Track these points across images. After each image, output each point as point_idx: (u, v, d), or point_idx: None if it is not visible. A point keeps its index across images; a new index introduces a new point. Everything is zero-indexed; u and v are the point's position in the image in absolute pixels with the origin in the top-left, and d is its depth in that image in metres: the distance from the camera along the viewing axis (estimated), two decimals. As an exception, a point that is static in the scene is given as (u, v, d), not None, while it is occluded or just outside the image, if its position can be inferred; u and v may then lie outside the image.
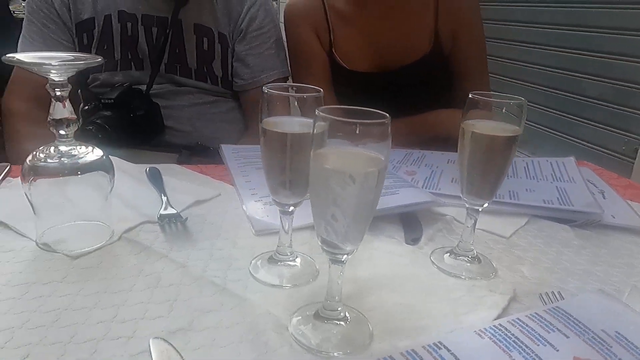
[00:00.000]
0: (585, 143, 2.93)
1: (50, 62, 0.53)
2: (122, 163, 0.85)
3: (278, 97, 0.51)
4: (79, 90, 1.26)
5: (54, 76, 0.55)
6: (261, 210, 0.73)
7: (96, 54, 1.17)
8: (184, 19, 1.17)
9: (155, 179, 0.81)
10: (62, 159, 0.58)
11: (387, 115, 0.42)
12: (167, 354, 0.44)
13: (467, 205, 0.62)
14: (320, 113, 0.42)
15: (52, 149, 0.58)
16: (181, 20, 1.16)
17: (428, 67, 1.16)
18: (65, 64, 0.54)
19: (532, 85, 3.26)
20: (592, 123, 2.91)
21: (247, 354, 0.45)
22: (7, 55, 0.53)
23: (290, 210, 0.56)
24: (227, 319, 0.50)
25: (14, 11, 2.80)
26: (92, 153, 0.61)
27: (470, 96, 0.57)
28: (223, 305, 0.52)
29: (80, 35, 1.18)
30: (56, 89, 0.56)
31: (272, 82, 1.24)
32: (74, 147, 0.59)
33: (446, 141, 1.11)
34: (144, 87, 1.18)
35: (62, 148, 0.58)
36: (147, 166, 0.86)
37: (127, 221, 0.66)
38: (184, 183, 0.81)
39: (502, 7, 3.20)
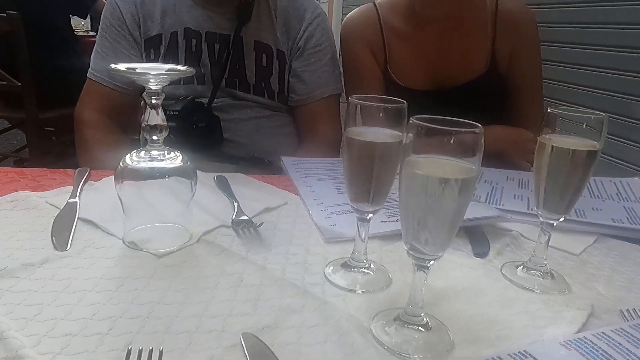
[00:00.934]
0: (635, 167, 2.83)
1: (149, 72, 0.57)
2: (192, 171, 0.89)
3: (365, 107, 0.53)
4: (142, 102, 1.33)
5: (152, 85, 0.59)
6: (327, 219, 0.75)
7: (162, 68, 1.25)
8: (245, 36, 1.22)
9: (225, 186, 0.84)
10: (152, 162, 0.62)
11: (480, 125, 0.43)
12: (258, 348, 0.46)
13: (541, 219, 0.62)
14: (415, 121, 0.43)
15: (143, 152, 0.62)
16: (242, 37, 1.21)
17: (483, 87, 1.17)
18: (161, 74, 0.58)
19: (581, 107, 3.18)
20: (643, 146, 2.81)
21: (334, 353, 0.46)
22: (112, 65, 0.58)
23: (368, 217, 0.58)
24: (310, 319, 0.51)
25: (74, 28, 2.96)
26: (178, 159, 0.64)
27: (549, 110, 0.58)
28: (305, 307, 0.53)
29: (148, 50, 1.25)
30: (152, 97, 0.60)
31: (326, 98, 1.28)
32: (163, 152, 0.63)
33: (498, 157, 1.11)
34: (205, 100, 1.23)
35: (154, 152, 0.62)
36: (214, 174, 0.90)
37: (204, 225, 0.70)
38: (252, 191, 0.84)
39: (548, 28, 3.16)
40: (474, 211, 0.76)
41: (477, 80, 1.16)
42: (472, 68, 1.17)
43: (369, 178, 0.54)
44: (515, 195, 0.89)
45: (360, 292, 0.58)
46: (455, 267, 0.64)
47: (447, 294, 0.58)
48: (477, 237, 0.73)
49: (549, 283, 0.62)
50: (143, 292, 0.54)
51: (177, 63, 1.23)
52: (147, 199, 0.64)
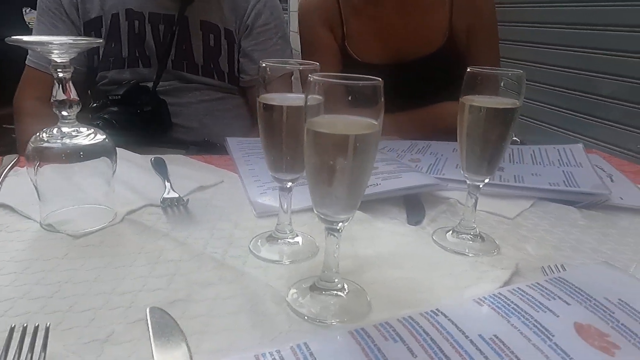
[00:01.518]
0: (600, 142, 2.88)
1: (52, 41, 0.54)
2: (127, 153, 0.87)
3: (277, 70, 0.51)
4: (89, 91, 1.29)
5: (56, 57, 0.56)
6: (263, 195, 0.73)
7: (104, 52, 1.21)
8: (191, 16, 1.18)
9: (160, 167, 0.82)
10: (64, 139, 0.59)
11: (380, 79, 0.42)
12: (163, 321, 0.44)
13: (467, 182, 0.61)
14: (314, 77, 0.42)
15: (54, 130, 0.60)
16: (187, 17, 1.18)
17: (441, 62, 1.17)
18: (65, 44, 0.55)
19: (545, 85, 3.24)
20: (606, 122, 2.87)
21: (244, 322, 0.45)
22: (13, 37, 0.55)
23: (288, 186, 0.56)
24: (226, 291, 0.50)
25: (29, 22, 2.87)
26: (94, 135, 0.61)
27: (468, 70, 0.57)
28: (222, 279, 0.52)
29: (88, 33, 1.21)
30: (58, 70, 0.57)
31: (279, 77, 1.25)
32: (76, 129, 0.60)
33: (449, 133, 1.11)
34: (151, 85, 1.19)
35: (65, 129, 0.59)
36: (152, 156, 0.87)
37: (129, 204, 0.67)
38: (188, 170, 0.82)
39: (513, 8, 3.19)
40: (411, 180, 0.75)
41: (434, 54, 1.16)
42: (429, 42, 1.17)
43: (280, 144, 0.52)
44: (457, 165, 0.88)
45: (286, 262, 0.56)
46: (387, 235, 0.63)
47: (374, 261, 0.57)
48: (413, 206, 0.72)
49: (478, 245, 0.61)
50: (51, 273, 0.51)
51: (120, 46, 1.20)
52: (63, 180, 0.61)
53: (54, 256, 0.54)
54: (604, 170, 0.88)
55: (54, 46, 0.54)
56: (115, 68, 1.21)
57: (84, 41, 0.57)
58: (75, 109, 0.59)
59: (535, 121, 3.33)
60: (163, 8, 1.18)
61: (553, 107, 3.18)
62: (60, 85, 0.58)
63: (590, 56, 2.92)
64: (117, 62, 1.21)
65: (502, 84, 0.56)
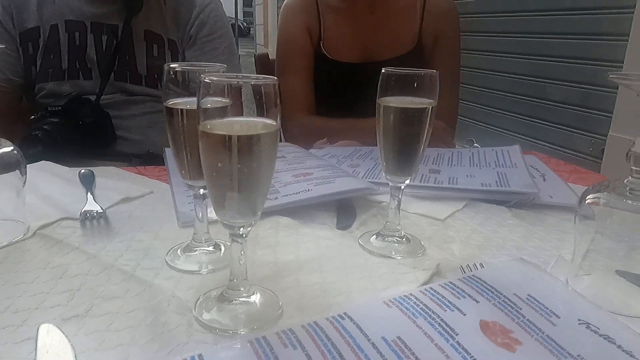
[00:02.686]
0: (553, 146, 2.97)
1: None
2: (55, 166, 0.83)
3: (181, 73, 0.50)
4: (26, 100, 1.25)
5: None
6: (191, 204, 0.71)
7: (42, 63, 1.17)
8: (135, 26, 1.16)
9: (87, 179, 0.79)
10: (-36, 151, 0.56)
11: (275, 77, 0.41)
12: (53, 340, 0.41)
13: (390, 185, 0.61)
14: (207, 77, 0.40)
15: (-46, 141, 0.56)
16: (132, 27, 1.16)
17: (411, 64, 1.18)
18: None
19: (499, 92, 3.32)
20: (559, 126, 2.96)
21: (142, 335, 0.43)
22: None
23: (201, 193, 0.55)
24: (130, 304, 0.47)
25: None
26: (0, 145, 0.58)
27: (383, 71, 0.56)
28: (128, 292, 0.49)
29: (25, 44, 1.17)
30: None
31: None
32: (-21, 140, 0.57)
33: None
34: (93, 97, 1.16)
35: (-34, 140, 0.56)
36: (82, 169, 0.84)
37: (44, 217, 0.64)
38: (116, 182, 0.79)
39: (468, 19, 3.27)
40: (343, 185, 0.74)
41: (405, 56, 1.22)
42: (400, 45, 1.23)
43: (182, 148, 0.51)
44: (395, 168, 0.88)
45: (203, 272, 0.54)
46: (311, 240, 0.62)
47: (292, 267, 0.55)
48: (344, 210, 0.71)
49: (403, 247, 0.61)
50: (-59, 293, 0.48)
51: (59, 57, 1.16)
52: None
53: (-52, 275, 0.51)
54: (537, 170, 0.90)
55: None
56: (54, 80, 1.18)
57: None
58: (-24, 119, 0.56)
59: (491, 126, 3.40)
60: (106, 18, 1.15)
61: (507, 113, 3.26)
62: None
63: (541, 63, 3.02)
64: (56, 73, 1.17)
65: (415, 84, 0.56)
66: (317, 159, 0.91)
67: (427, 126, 0.56)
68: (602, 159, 2.65)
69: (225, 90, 0.40)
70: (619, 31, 2.47)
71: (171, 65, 0.51)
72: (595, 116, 2.71)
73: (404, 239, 0.62)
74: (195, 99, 0.49)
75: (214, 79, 0.40)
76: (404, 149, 0.57)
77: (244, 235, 0.45)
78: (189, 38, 1.22)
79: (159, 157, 1.18)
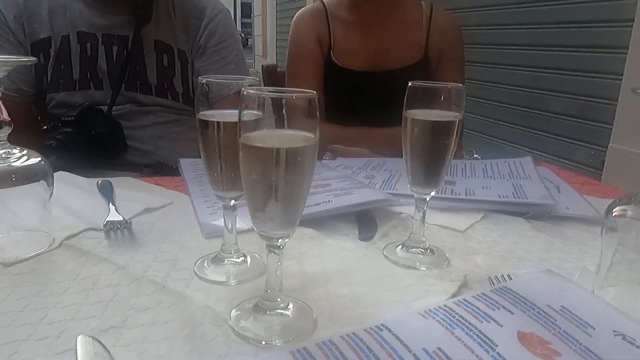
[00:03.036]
0: (553, 157, 2.99)
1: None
2: (72, 177, 0.84)
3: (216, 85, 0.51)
4: (36, 110, 1.25)
5: (-16, 75, 0.53)
6: (212, 215, 0.72)
7: (52, 73, 1.17)
8: (145, 37, 1.17)
9: (106, 190, 0.79)
10: (-5, 162, 0.56)
11: (314, 92, 0.41)
12: (93, 350, 0.41)
13: (415, 196, 0.61)
14: (248, 91, 0.41)
15: (-16, 152, 0.56)
16: (142, 37, 1.16)
17: (417, 74, 1.22)
18: (-6, 63, 0.52)
19: (499, 103, 3.35)
20: (559, 137, 2.98)
21: (181, 347, 0.43)
22: None
23: (232, 204, 0.55)
24: (164, 315, 0.47)
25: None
26: (27, 157, 0.59)
27: (410, 84, 0.57)
28: (161, 303, 0.49)
29: (36, 55, 1.17)
30: (-12, 89, 0.54)
31: (234, 96, 1.25)
32: (8, 150, 0.57)
33: None
34: (104, 108, 1.16)
35: (-5, 151, 0.56)
36: (99, 179, 0.84)
37: (69, 229, 0.64)
38: (135, 193, 0.79)
39: (468, 31, 3.31)
40: (363, 196, 0.75)
41: (413, 66, 1.26)
42: (407, 56, 1.27)
43: (218, 161, 0.51)
44: (411, 180, 0.89)
45: (232, 283, 0.54)
46: (335, 251, 0.62)
47: (321, 278, 0.56)
48: (365, 222, 0.72)
49: (428, 259, 0.61)
50: (-26, 304, 0.48)
51: (70, 67, 1.17)
52: (-5, 205, 0.58)
53: (-21, 286, 0.51)
54: (551, 182, 0.91)
55: (-19, 64, 0.52)
56: (65, 90, 1.18)
57: (12, 59, 0.55)
58: (7, 130, 0.56)
59: (491, 137, 3.42)
60: (117, 29, 1.16)
61: (507, 124, 3.28)
62: (-10, 105, 0.55)
63: (541, 75, 3.04)
64: (67, 84, 1.18)
65: (441, 97, 0.57)
66: (332, 169, 0.92)
67: (454, 139, 0.56)
68: (602, 170, 2.67)
69: (265, 103, 0.41)
70: (619, 44, 2.50)
71: (204, 78, 0.52)
72: (596, 127, 2.73)
73: (428, 251, 0.62)
74: (227, 111, 0.50)
75: (255, 92, 0.41)
76: (431, 161, 0.57)
77: (281, 247, 0.45)
78: (198, 48, 1.23)
79: (170, 167, 1.19)
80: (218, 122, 0.50)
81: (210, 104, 0.52)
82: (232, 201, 0.54)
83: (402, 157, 0.93)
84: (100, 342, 0.42)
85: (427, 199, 0.61)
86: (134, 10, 1.15)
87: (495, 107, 3.35)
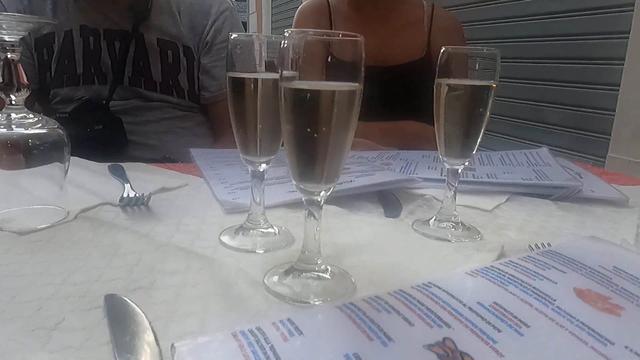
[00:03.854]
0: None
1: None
2: (83, 161, 0.81)
3: (246, 43, 0.49)
4: (39, 106, 1.22)
5: (4, 34, 0.51)
6: (230, 194, 0.69)
7: (56, 69, 1.15)
8: (147, 33, 1.15)
9: (119, 172, 0.76)
10: (11, 126, 0.54)
11: (359, 34, 0.40)
12: (122, 308, 0.38)
13: (446, 167, 0.59)
14: (291, 32, 0.39)
15: (0, 116, 0.54)
16: (143, 34, 1.15)
17: (418, 71, 1.25)
18: (14, 19, 0.50)
19: (497, 116, 3.37)
20: (558, 149, 2.99)
21: (216, 305, 0.40)
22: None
23: (262, 169, 0.53)
24: (194, 278, 0.44)
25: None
26: (44, 124, 0.56)
27: (443, 49, 0.56)
28: (189, 268, 0.47)
29: (40, 50, 1.15)
30: (7, 50, 0.52)
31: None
32: (25, 115, 0.55)
33: (412, 147, 1.13)
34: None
35: (13, 115, 0.54)
36: (108, 164, 0.81)
37: (84, 203, 0.61)
38: (149, 175, 0.77)
39: (470, 41, 3.34)
40: (385, 176, 0.73)
41: (414, 63, 1.25)
42: (409, 52, 1.26)
43: (252, 119, 0.49)
44: (429, 166, 0.87)
45: (260, 251, 0.52)
46: (365, 226, 0.60)
47: (354, 248, 0.53)
48: (390, 201, 0.70)
49: (460, 232, 0.59)
50: (-10, 267, 0.45)
51: (74, 62, 1.15)
52: (9, 174, 0.55)
53: (-5, 251, 0.48)
54: (571, 170, 0.89)
55: (2, 21, 0.50)
56: (70, 85, 1.16)
57: (33, 19, 0.53)
58: (24, 93, 0.54)
59: (490, 150, 3.43)
60: (118, 25, 1.14)
61: (506, 136, 3.29)
62: (8, 67, 0.53)
63: (539, 87, 3.07)
64: (71, 79, 1.16)
65: (477, 66, 0.55)
66: (349, 157, 0.90)
67: (489, 105, 0.55)
68: (601, 180, 2.67)
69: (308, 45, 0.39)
70: (615, 55, 2.53)
71: (235, 36, 0.50)
72: (594, 138, 2.75)
73: (460, 225, 0.60)
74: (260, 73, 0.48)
75: (297, 35, 0.39)
76: (467, 128, 0.56)
77: (321, 203, 0.43)
78: (205, 45, 1.22)
79: (176, 162, 1.16)
80: (254, 79, 0.48)
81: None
82: (263, 165, 0.52)
83: (412, 149, 0.91)
84: (128, 300, 0.39)
85: (460, 170, 0.59)
86: (131, 7, 1.13)
87: (495, 119, 3.36)
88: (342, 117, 0.40)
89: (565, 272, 0.43)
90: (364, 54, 0.39)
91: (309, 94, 0.39)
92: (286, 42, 0.39)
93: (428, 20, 1.29)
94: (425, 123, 1.19)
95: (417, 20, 1.30)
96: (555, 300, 0.38)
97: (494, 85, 0.55)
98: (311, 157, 0.41)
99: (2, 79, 0.53)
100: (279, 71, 0.40)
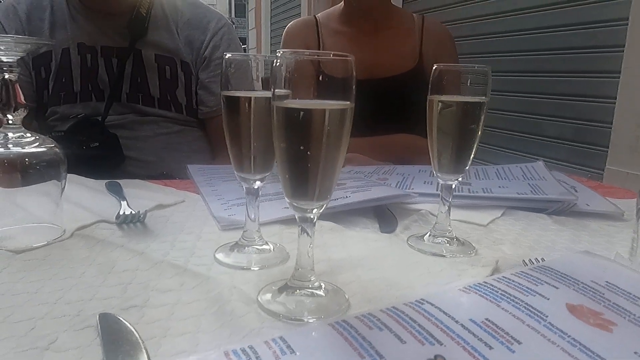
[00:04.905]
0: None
1: (-2, 39, 0.51)
2: (80, 178, 0.81)
3: (240, 62, 0.49)
4: (37, 124, 1.23)
5: (2, 55, 0.52)
6: (227, 210, 0.69)
7: (54, 86, 1.16)
8: (144, 50, 1.16)
9: (115, 189, 0.77)
10: (8, 145, 0.54)
11: (350, 54, 0.41)
12: (116, 327, 0.39)
13: (440, 183, 0.60)
14: (282, 53, 0.40)
15: (-3, 135, 0.54)
16: (141, 50, 1.16)
17: (410, 82, 1.25)
18: (12, 41, 0.51)
19: (494, 129, 3.38)
20: (555, 161, 3.00)
21: (209, 323, 0.40)
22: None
23: (256, 187, 0.53)
24: (188, 296, 0.45)
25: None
26: (41, 142, 0.57)
27: (435, 67, 0.57)
28: (183, 285, 0.47)
29: (38, 68, 1.16)
30: (4, 70, 0.53)
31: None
32: (22, 134, 0.55)
33: (402, 161, 1.13)
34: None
35: (10, 135, 0.55)
36: (105, 181, 0.82)
37: (80, 221, 0.61)
38: (146, 192, 0.77)
39: (461, 59, 3.37)
40: (381, 192, 0.73)
41: (405, 75, 1.25)
42: (400, 64, 1.26)
43: (246, 138, 0.49)
44: (425, 181, 0.88)
45: (255, 268, 0.52)
46: (359, 241, 0.60)
47: (348, 264, 0.53)
48: (385, 216, 0.70)
49: (455, 247, 0.59)
50: (-15, 286, 0.45)
51: (71, 80, 1.16)
52: (5, 192, 0.56)
53: (-10, 270, 0.48)
54: (566, 184, 0.90)
55: (0, 43, 0.51)
56: (67, 102, 1.16)
57: (31, 39, 0.54)
58: (21, 113, 0.55)
59: (487, 163, 3.43)
60: (115, 42, 1.15)
61: (503, 149, 3.30)
62: (6, 88, 0.53)
63: (535, 100, 3.09)
64: (68, 96, 1.16)
65: (468, 82, 0.56)
66: (344, 172, 0.91)
67: (481, 121, 0.55)
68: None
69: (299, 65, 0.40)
70: (611, 68, 2.55)
71: (229, 55, 0.51)
72: (591, 150, 2.76)
73: (454, 240, 0.60)
74: (254, 92, 0.49)
75: (291, 55, 0.40)
76: (459, 144, 0.56)
77: (314, 220, 0.43)
78: (203, 60, 1.23)
79: (173, 178, 1.16)
80: (248, 98, 0.49)
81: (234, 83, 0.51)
82: (257, 182, 0.52)
83: (407, 163, 0.92)
84: (122, 319, 0.40)
85: (453, 185, 0.59)
86: (128, 24, 1.15)
87: (493, 132, 3.38)
88: (334, 135, 0.40)
89: (558, 287, 0.43)
90: (354, 73, 0.40)
91: (301, 113, 0.39)
92: (278, 61, 0.40)
93: (419, 31, 1.30)
94: (417, 134, 1.20)
95: (408, 31, 1.30)
96: (547, 316, 0.38)
97: (485, 101, 0.55)
98: (303, 174, 0.41)
99: (0, 99, 0.53)
100: (271, 90, 0.40)
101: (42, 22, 1.14)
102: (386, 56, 1.27)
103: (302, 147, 0.40)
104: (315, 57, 0.40)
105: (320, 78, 0.40)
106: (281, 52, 0.40)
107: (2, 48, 0.51)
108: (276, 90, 0.40)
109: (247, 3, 9.50)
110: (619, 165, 2.56)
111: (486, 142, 3.46)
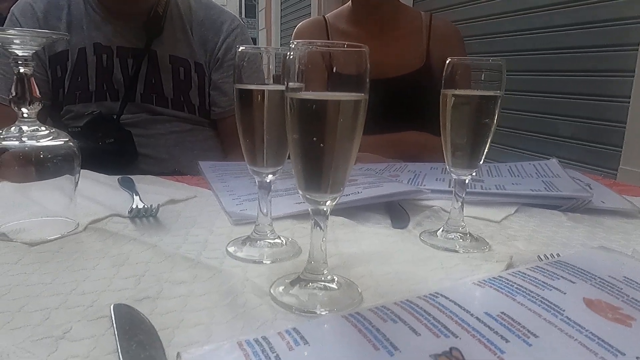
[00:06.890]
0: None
1: (13, 32, 0.51)
2: (93, 173, 0.82)
3: (253, 54, 0.49)
4: (51, 122, 1.24)
5: (17, 49, 0.52)
6: (238, 205, 0.69)
7: (69, 86, 1.17)
8: (159, 50, 1.17)
9: (128, 184, 0.77)
10: (23, 139, 0.55)
11: (364, 45, 0.40)
12: (129, 317, 0.39)
13: (454, 178, 0.59)
14: (295, 43, 0.40)
15: (13, 128, 0.55)
16: (156, 51, 1.17)
17: (418, 81, 1.26)
18: (27, 35, 0.52)
19: (508, 129, 3.36)
20: (569, 162, 2.97)
21: (223, 315, 0.40)
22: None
23: (268, 180, 0.53)
24: (201, 288, 0.45)
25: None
26: (56, 136, 0.57)
27: (448, 60, 0.56)
28: (196, 277, 0.47)
29: (54, 67, 1.17)
30: (19, 64, 0.53)
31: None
32: (37, 128, 0.56)
33: (414, 158, 1.12)
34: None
35: (25, 128, 0.55)
36: (118, 177, 0.82)
37: (93, 215, 0.62)
38: (158, 187, 0.78)
39: (473, 58, 3.34)
40: (392, 188, 0.73)
41: (413, 74, 1.25)
42: (408, 63, 1.26)
43: (259, 131, 0.49)
44: (437, 178, 0.87)
45: (267, 262, 0.52)
46: (371, 236, 0.60)
47: (360, 259, 0.53)
48: (397, 212, 0.69)
49: (468, 243, 0.59)
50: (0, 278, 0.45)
51: (87, 79, 1.17)
52: (20, 187, 0.56)
53: (5, 262, 0.48)
54: (581, 181, 0.88)
55: (16, 36, 0.51)
56: (82, 102, 1.17)
57: (46, 33, 0.54)
58: (36, 107, 0.55)
59: (500, 162, 3.40)
60: (131, 42, 1.16)
61: (517, 149, 3.28)
62: (21, 81, 0.54)
63: (549, 100, 3.06)
64: (83, 95, 1.17)
65: (482, 76, 0.56)
66: (356, 169, 0.90)
67: (496, 115, 0.55)
68: (613, 193, 2.64)
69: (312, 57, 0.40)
70: (625, 67, 2.52)
71: (242, 49, 0.51)
72: (605, 150, 2.72)
73: (467, 235, 0.60)
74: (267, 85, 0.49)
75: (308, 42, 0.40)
76: (474, 138, 0.56)
77: (327, 213, 0.43)
78: (216, 61, 1.23)
79: (185, 175, 1.17)
80: (261, 91, 0.49)
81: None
82: (270, 176, 0.52)
83: (417, 161, 0.91)
84: (136, 309, 0.40)
85: (467, 180, 0.58)
86: (145, 24, 1.15)
87: (505, 132, 3.35)
88: (348, 127, 0.40)
89: (575, 282, 0.42)
90: (368, 65, 0.40)
91: (314, 104, 0.39)
92: (292, 53, 0.40)
93: (426, 29, 1.29)
94: (428, 132, 1.19)
95: (416, 30, 1.30)
96: (564, 310, 0.38)
97: (499, 95, 0.55)
98: (317, 166, 0.41)
99: (15, 93, 0.54)
100: (285, 82, 0.40)
101: (59, 22, 1.16)
102: (393, 56, 1.27)
103: (315, 139, 0.40)
104: (329, 48, 0.40)
105: (334, 70, 0.40)
106: (294, 43, 0.40)
107: (17, 42, 0.52)
108: (289, 82, 0.40)
109: (257, 3, 9.52)
110: (633, 165, 2.53)
111: (499, 141, 3.44)
